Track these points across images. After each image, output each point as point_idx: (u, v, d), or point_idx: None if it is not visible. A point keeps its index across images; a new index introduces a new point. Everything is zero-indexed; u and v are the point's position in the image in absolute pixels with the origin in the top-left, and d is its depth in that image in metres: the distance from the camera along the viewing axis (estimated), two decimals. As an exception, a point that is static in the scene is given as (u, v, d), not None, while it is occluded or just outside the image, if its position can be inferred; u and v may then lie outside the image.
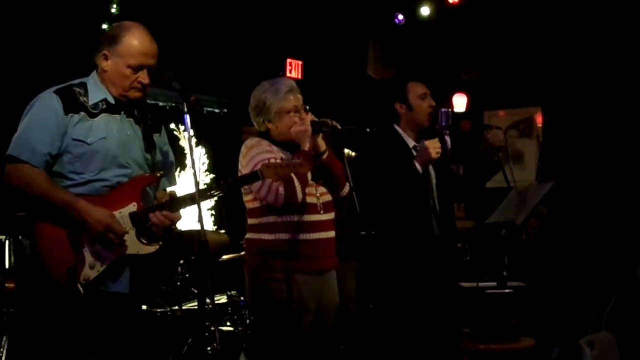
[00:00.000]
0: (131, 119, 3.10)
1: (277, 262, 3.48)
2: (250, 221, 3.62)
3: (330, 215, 3.61)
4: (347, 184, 3.55)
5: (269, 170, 3.11)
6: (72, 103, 2.96)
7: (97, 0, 5.46)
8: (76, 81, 3.06)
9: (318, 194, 3.56)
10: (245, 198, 3.60)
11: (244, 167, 3.49)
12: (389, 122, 4.32)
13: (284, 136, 3.55)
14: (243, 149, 3.55)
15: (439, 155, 3.99)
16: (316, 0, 6.97)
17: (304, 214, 3.48)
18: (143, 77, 3.01)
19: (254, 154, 3.48)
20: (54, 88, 2.99)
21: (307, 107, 3.59)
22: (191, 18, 6.25)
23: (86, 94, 3.01)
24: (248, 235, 3.63)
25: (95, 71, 3.07)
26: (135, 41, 2.99)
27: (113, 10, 5.53)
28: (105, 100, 3.03)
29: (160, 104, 6.20)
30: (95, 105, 3.01)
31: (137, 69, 2.99)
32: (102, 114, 3.01)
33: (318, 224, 3.53)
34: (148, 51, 3.01)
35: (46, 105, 2.94)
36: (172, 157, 3.29)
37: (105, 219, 2.88)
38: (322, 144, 3.53)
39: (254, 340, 3.72)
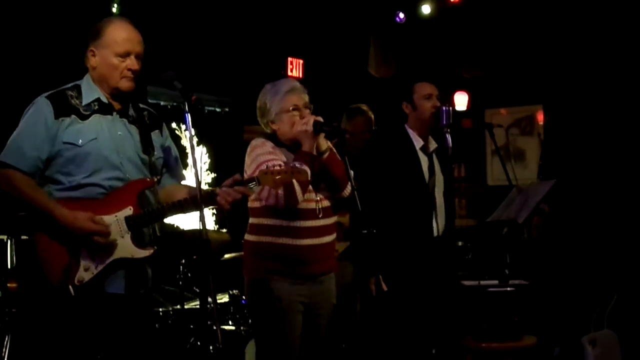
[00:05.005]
0: (125, 119, 3.09)
1: (270, 264, 3.49)
2: (250, 220, 3.62)
3: (329, 220, 3.58)
4: (349, 184, 3.53)
5: (266, 177, 3.09)
6: (64, 107, 2.97)
7: (97, 0, 5.44)
8: (70, 85, 3.07)
9: (318, 199, 3.54)
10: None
11: (248, 166, 3.49)
12: (400, 122, 4.36)
13: (287, 136, 3.53)
14: (248, 148, 3.55)
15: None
16: (317, -1, 6.97)
17: (301, 219, 3.47)
18: (132, 63, 3.02)
19: (257, 154, 3.47)
20: (47, 93, 3.01)
21: (312, 107, 3.56)
22: (192, 17, 6.24)
23: (79, 96, 3.03)
24: (246, 236, 3.64)
25: (88, 73, 3.09)
26: (119, 30, 3.02)
27: (114, 10, 5.51)
28: (98, 100, 3.04)
29: (162, 103, 6.21)
30: (88, 106, 3.02)
31: (124, 56, 3.00)
32: (94, 115, 3.02)
33: (315, 229, 3.51)
34: (132, 37, 3.03)
35: (37, 110, 2.97)
36: (175, 153, 3.28)
37: (84, 225, 2.88)
38: (323, 144, 3.49)
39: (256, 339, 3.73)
